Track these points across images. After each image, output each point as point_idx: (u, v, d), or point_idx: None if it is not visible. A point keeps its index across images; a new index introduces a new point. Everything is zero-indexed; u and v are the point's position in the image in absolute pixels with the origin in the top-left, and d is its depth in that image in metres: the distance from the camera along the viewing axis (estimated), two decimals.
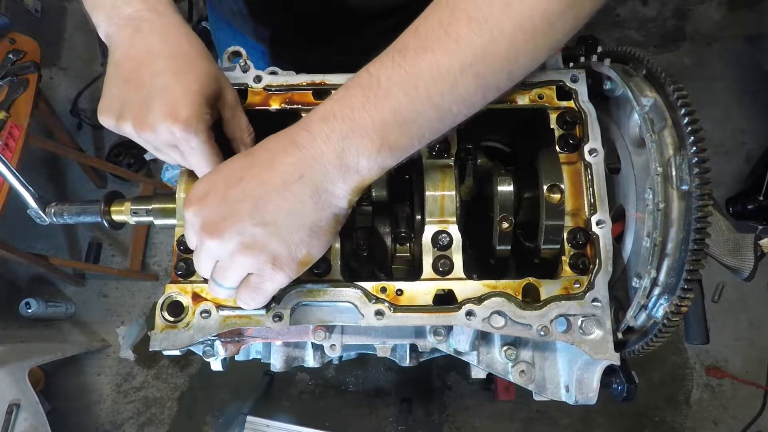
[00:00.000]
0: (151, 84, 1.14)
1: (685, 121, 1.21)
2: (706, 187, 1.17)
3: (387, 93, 1.01)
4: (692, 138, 1.19)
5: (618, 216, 1.45)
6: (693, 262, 1.18)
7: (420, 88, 1.01)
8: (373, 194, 1.49)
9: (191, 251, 1.33)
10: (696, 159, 1.18)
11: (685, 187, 1.21)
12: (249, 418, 3.42)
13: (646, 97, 1.29)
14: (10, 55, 3.45)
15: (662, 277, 1.25)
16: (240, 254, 1.04)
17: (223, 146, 1.29)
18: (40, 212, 1.44)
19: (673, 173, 1.23)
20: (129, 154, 4.67)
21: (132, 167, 4.63)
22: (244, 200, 1.03)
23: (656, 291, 1.26)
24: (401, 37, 1.06)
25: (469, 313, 1.26)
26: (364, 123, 1.01)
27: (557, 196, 1.32)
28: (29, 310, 4.17)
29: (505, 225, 1.41)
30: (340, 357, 1.67)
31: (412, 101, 1.01)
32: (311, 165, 1.03)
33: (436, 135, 1.10)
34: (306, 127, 1.05)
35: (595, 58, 1.46)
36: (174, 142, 1.17)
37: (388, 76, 1.02)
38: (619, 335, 1.33)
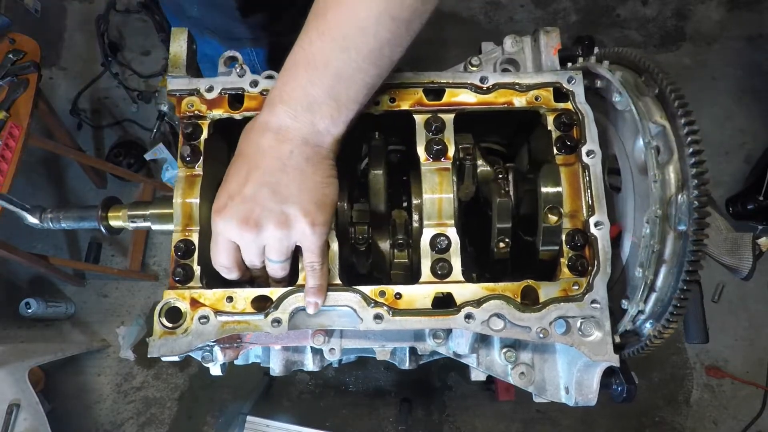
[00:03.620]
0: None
1: (692, 161, 1.19)
2: (701, 233, 1.17)
3: (325, 63, 1.17)
4: (696, 181, 1.18)
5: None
6: (680, 300, 1.21)
7: (351, 49, 1.16)
8: (372, 202, 1.49)
9: (189, 257, 1.34)
10: (697, 203, 1.17)
11: (682, 227, 1.20)
12: (249, 418, 3.42)
13: (655, 123, 1.27)
14: (10, 55, 3.44)
15: (649, 307, 1.27)
16: (280, 231, 1.22)
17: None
18: (37, 222, 1.45)
19: (673, 212, 1.23)
20: (129, 154, 4.66)
21: (132, 167, 4.62)
22: (260, 189, 1.21)
23: (642, 317, 1.28)
24: (317, 4, 1.20)
25: (468, 316, 1.26)
26: (317, 95, 1.19)
27: (555, 218, 1.32)
28: (29, 310, 4.17)
29: (502, 245, 1.43)
30: (340, 360, 1.67)
31: (349, 60, 1.17)
32: (294, 141, 1.21)
33: (380, 79, 1.26)
34: (272, 113, 1.23)
35: (594, 59, 1.46)
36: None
37: (320, 47, 1.17)
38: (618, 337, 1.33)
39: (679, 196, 1.21)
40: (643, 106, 1.31)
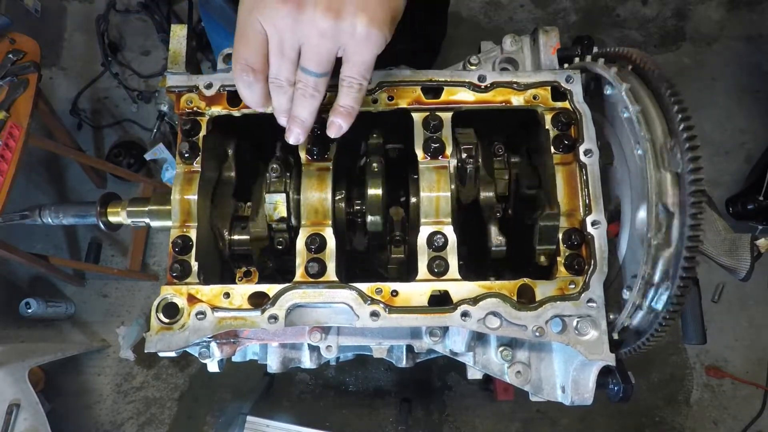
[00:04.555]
0: None
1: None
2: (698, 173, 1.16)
3: None
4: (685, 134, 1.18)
5: (614, 216, 1.45)
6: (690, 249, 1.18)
7: None
8: (368, 192, 1.49)
9: (187, 252, 1.34)
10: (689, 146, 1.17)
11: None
12: (249, 418, 3.43)
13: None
14: (10, 55, 3.45)
15: (658, 271, 1.24)
16: (326, 20, 0.99)
17: None
18: (37, 219, 1.46)
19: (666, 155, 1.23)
20: (129, 154, 4.67)
21: (132, 167, 4.63)
22: None
23: (651, 291, 1.26)
24: None
25: (465, 314, 1.26)
26: None
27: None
28: (29, 310, 4.18)
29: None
30: (338, 358, 1.67)
31: None
32: None
33: None
34: None
35: (588, 58, 1.46)
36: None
37: None
38: (615, 336, 1.33)
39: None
40: (642, 116, 1.29)
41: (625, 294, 1.32)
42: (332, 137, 1.23)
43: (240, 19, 1.07)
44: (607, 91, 1.39)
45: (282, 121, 1.21)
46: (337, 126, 1.18)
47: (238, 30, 1.07)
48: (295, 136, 1.21)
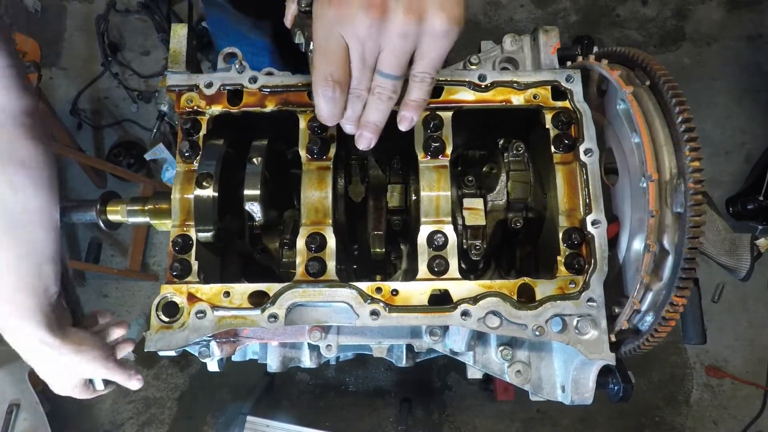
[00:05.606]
0: None
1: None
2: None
3: None
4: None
5: (614, 216, 1.45)
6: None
7: None
8: (370, 202, 1.50)
9: (187, 251, 1.34)
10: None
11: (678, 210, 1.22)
12: (249, 418, 3.42)
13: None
14: None
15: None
16: (408, 23, 1.01)
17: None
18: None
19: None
20: (129, 154, 4.66)
21: (132, 167, 4.62)
22: None
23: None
24: None
25: (465, 313, 1.26)
26: None
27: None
28: None
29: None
30: (337, 357, 1.67)
31: None
32: None
33: None
34: None
35: (592, 58, 1.46)
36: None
37: None
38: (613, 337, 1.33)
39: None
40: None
41: (615, 310, 1.33)
42: (403, 131, 1.22)
43: (319, 36, 1.08)
44: (620, 105, 1.38)
45: (349, 128, 1.21)
46: (410, 119, 1.19)
47: (318, 47, 1.09)
48: (368, 140, 1.21)
